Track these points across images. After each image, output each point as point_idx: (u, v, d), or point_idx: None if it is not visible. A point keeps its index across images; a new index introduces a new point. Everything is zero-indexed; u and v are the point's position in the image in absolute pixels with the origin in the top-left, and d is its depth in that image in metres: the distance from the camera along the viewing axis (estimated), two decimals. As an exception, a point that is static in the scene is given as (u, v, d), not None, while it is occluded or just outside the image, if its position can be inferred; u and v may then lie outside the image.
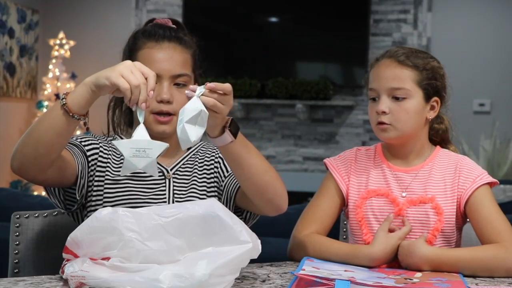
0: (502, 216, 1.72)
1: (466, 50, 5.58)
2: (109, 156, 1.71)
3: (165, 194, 1.69)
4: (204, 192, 1.74)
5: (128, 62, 1.47)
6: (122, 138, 1.77)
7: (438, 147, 1.86)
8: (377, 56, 1.84)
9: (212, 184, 1.75)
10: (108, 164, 1.69)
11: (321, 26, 5.90)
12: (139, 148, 1.39)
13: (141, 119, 1.43)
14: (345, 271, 1.54)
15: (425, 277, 1.54)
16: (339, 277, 1.42)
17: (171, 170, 1.73)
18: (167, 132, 1.68)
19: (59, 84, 6.04)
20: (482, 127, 5.42)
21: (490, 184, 1.78)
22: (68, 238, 1.39)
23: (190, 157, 1.77)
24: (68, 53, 6.09)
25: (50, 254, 1.81)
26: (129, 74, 1.43)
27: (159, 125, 1.67)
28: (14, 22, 6.10)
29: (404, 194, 1.78)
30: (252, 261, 1.70)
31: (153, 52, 1.67)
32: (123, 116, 1.80)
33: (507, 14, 5.68)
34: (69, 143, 1.66)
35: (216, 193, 1.75)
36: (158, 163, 1.70)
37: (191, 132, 1.39)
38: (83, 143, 1.69)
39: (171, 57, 1.67)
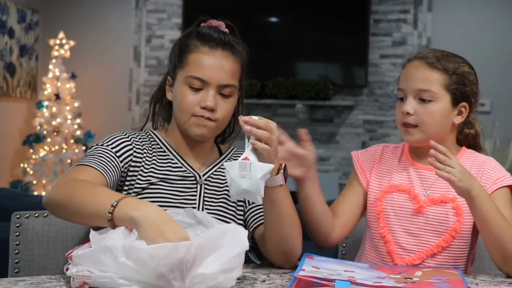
0: None
1: (466, 50, 5.52)
2: (143, 156, 1.68)
3: (195, 200, 1.69)
4: (234, 205, 1.74)
5: (152, 221, 1.34)
6: (155, 133, 1.75)
7: (464, 148, 1.86)
8: (409, 56, 1.84)
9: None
10: (142, 165, 1.67)
11: (321, 26, 5.89)
12: (243, 169, 1.47)
13: (247, 143, 1.51)
14: (345, 271, 1.54)
15: (425, 276, 1.53)
16: (339, 277, 1.42)
17: (203, 175, 1.72)
18: (205, 135, 1.68)
19: (59, 84, 6.04)
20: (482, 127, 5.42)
21: (511, 187, 1.78)
22: (74, 253, 1.38)
23: (223, 164, 1.74)
24: (68, 53, 6.09)
25: (50, 254, 1.81)
26: (170, 235, 1.34)
27: (198, 127, 1.66)
28: (14, 22, 6.10)
29: (427, 193, 1.78)
30: (252, 261, 1.71)
31: (204, 58, 1.65)
32: (162, 110, 1.78)
33: (507, 14, 5.67)
34: (103, 155, 1.61)
35: (242, 207, 1.75)
36: (190, 167, 1.71)
37: (262, 188, 1.48)
38: (117, 154, 1.64)
39: (221, 66, 1.65)
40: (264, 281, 1.51)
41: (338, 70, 6.02)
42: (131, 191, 1.65)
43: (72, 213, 1.48)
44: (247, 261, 1.70)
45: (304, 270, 1.49)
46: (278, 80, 5.83)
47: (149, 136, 1.74)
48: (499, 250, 1.65)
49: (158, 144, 1.73)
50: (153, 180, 1.67)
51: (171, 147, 1.73)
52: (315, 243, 1.83)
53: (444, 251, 1.76)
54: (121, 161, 1.64)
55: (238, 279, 1.48)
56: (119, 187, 1.66)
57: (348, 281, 1.40)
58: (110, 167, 1.60)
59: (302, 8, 5.92)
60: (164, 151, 1.72)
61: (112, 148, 1.65)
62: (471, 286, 1.51)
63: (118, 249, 1.29)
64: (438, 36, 5.72)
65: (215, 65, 1.64)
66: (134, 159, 1.67)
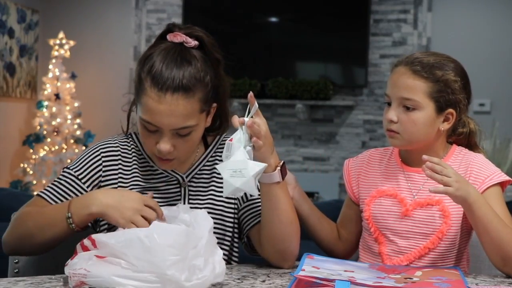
0: (509, 219, 1.70)
1: (466, 50, 5.57)
2: (117, 168, 1.68)
3: (180, 203, 1.67)
4: (222, 204, 1.71)
5: (138, 203, 1.48)
6: (138, 139, 1.73)
7: (454, 146, 1.85)
8: (399, 59, 1.82)
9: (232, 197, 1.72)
10: (120, 176, 1.68)
11: (321, 26, 5.89)
12: (236, 169, 1.47)
13: (241, 144, 1.50)
14: (345, 271, 1.54)
15: (425, 276, 1.53)
16: (339, 277, 1.42)
17: (186, 177, 1.70)
18: (170, 169, 1.67)
19: (59, 84, 6.04)
20: (482, 127, 5.42)
21: (502, 183, 1.77)
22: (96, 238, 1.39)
23: (208, 160, 1.73)
24: (68, 53, 6.09)
25: (50, 254, 1.81)
26: (140, 220, 1.47)
27: (162, 164, 1.64)
28: (14, 22, 6.10)
29: (415, 197, 1.79)
30: (252, 261, 1.70)
31: (153, 104, 1.54)
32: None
33: (507, 14, 5.67)
34: (64, 184, 1.66)
35: (235, 205, 1.73)
36: (172, 170, 1.69)
37: (255, 186, 1.49)
38: (79, 177, 1.67)
39: (171, 113, 1.54)
40: (264, 281, 1.51)
41: (338, 70, 6.02)
42: None
43: (37, 247, 1.59)
44: (247, 261, 1.70)
45: (304, 270, 1.49)
46: (278, 80, 5.83)
47: (132, 143, 1.73)
48: (499, 253, 1.65)
49: (139, 150, 1.72)
50: (136, 189, 1.66)
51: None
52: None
53: (430, 252, 1.76)
54: (85, 182, 1.66)
55: (238, 279, 1.48)
56: None
57: (348, 281, 1.40)
58: (68, 197, 1.64)
59: (302, 8, 5.92)
60: (144, 158, 1.71)
61: (76, 171, 1.67)
62: (471, 286, 1.51)
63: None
64: (438, 36, 5.72)
65: (165, 111, 1.53)
66: (103, 174, 1.67)
